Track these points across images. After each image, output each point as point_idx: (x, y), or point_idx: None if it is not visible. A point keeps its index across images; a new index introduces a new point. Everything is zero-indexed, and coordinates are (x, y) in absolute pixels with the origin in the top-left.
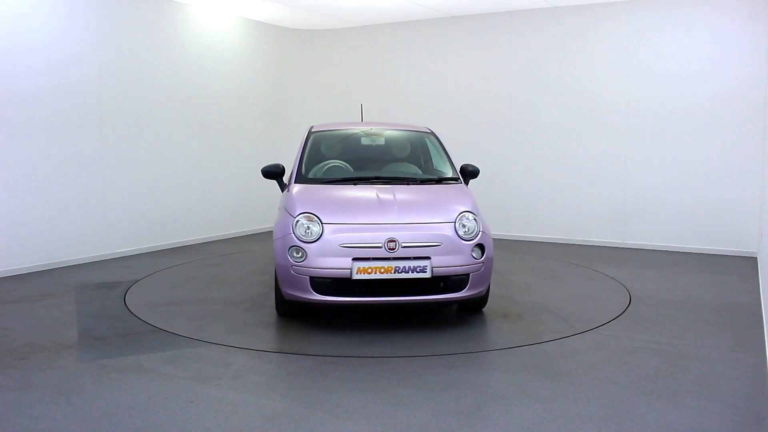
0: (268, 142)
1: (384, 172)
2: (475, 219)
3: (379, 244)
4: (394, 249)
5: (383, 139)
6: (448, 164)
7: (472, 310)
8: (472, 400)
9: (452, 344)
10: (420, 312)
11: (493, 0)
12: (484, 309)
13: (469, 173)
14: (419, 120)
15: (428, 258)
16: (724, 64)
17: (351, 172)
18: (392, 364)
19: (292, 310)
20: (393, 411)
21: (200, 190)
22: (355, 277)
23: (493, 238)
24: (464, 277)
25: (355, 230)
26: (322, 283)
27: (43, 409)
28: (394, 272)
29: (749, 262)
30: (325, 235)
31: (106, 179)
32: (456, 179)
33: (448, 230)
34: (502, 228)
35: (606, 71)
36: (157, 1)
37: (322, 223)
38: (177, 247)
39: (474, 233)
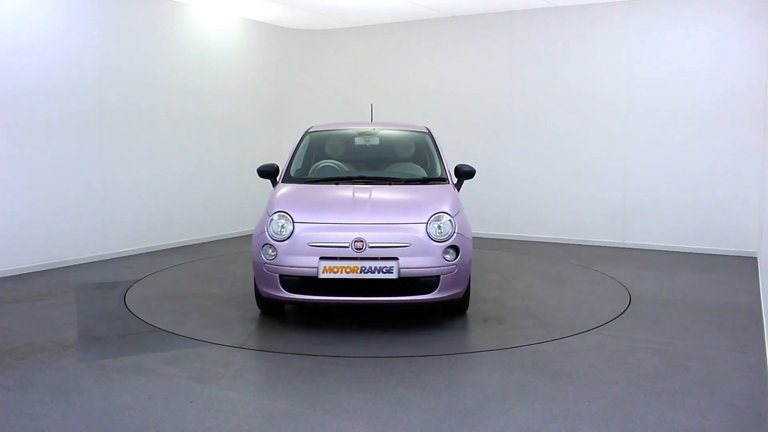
0: (268, 142)
1: (370, 172)
2: (450, 220)
3: (347, 244)
4: (361, 249)
5: (377, 138)
6: (438, 164)
7: (453, 313)
8: (472, 400)
9: (452, 344)
10: (418, 312)
11: (493, 0)
12: (467, 312)
13: (463, 174)
14: (419, 120)
15: (396, 259)
16: (725, 64)
17: (340, 171)
18: (392, 364)
19: (270, 307)
20: (393, 411)
21: (200, 190)
22: (322, 276)
23: (493, 239)
24: (434, 279)
25: (324, 229)
26: (291, 281)
27: (43, 409)
28: (360, 272)
29: (749, 262)
30: (296, 234)
31: (106, 179)
32: (443, 179)
33: (419, 231)
34: (502, 228)
35: (606, 71)
36: (157, 2)
37: (293, 221)
38: (177, 247)
39: (447, 234)
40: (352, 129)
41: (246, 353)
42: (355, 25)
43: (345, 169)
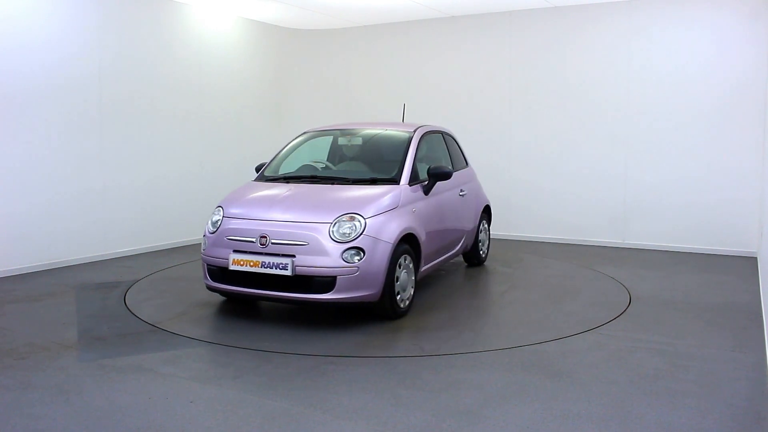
0: (268, 141)
1: (331, 173)
2: (360, 221)
3: (254, 239)
4: (265, 245)
5: (360, 139)
6: (399, 165)
7: (378, 317)
8: (472, 400)
9: (453, 344)
10: (416, 309)
11: (493, 0)
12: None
13: (433, 176)
14: (420, 119)
15: (293, 256)
16: (724, 63)
17: (301, 171)
18: (392, 364)
19: (217, 293)
20: (393, 411)
21: (200, 190)
22: (231, 267)
23: (493, 238)
24: (330, 279)
25: (240, 224)
26: (213, 271)
27: (43, 409)
28: (261, 267)
29: (749, 262)
30: (221, 227)
31: (106, 179)
32: (393, 181)
33: (320, 230)
34: (502, 228)
35: (606, 71)
36: (158, 2)
37: (223, 216)
38: (177, 247)
39: (351, 236)
40: (343, 130)
41: (246, 353)
42: (355, 25)
43: (319, 168)
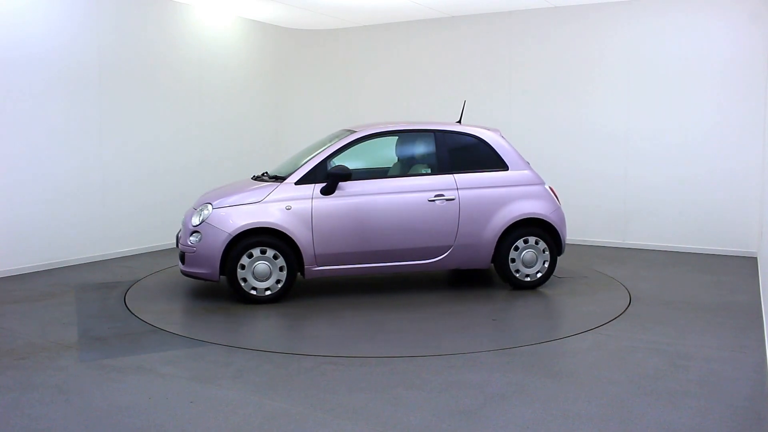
0: (268, 141)
1: (274, 171)
2: (208, 211)
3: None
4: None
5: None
6: (292, 164)
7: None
8: (472, 400)
9: (452, 344)
10: (418, 310)
11: (493, 0)
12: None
13: (332, 176)
14: (420, 119)
15: (179, 234)
16: (725, 63)
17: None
18: (392, 364)
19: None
20: (393, 411)
21: (200, 190)
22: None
23: None
24: (182, 254)
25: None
26: None
27: (43, 409)
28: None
29: (749, 262)
30: None
31: (106, 179)
32: (280, 179)
33: (191, 215)
34: None
35: (606, 71)
36: (157, 1)
37: None
38: None
39: (198, 222)
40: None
41: (246, 353)
42: (355, 25)
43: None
